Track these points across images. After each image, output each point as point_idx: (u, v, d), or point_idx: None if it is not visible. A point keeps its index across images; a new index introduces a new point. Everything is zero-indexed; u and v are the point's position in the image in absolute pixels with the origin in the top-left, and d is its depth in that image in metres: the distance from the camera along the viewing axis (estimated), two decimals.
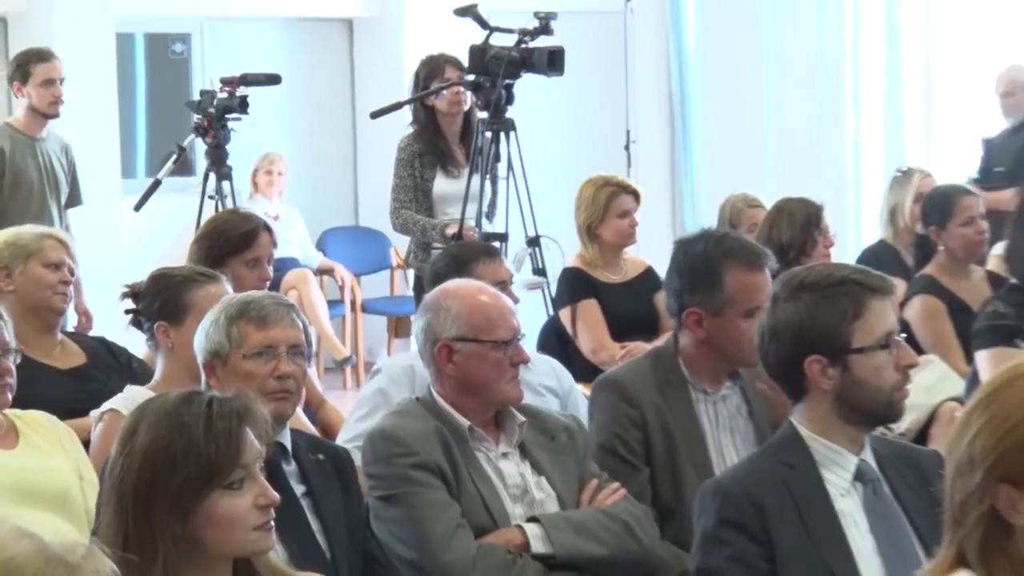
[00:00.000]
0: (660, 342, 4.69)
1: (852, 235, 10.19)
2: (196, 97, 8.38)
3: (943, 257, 6.68)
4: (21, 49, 8.33)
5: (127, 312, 4.86)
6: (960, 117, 11.11)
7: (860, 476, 3.46)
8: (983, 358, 5.39)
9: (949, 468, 2.59)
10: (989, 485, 2.52)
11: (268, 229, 5.76)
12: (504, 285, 5.15)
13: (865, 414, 3.51)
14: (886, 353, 3.49)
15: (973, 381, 5.18)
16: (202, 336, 3.93)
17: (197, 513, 2.80)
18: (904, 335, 3.71)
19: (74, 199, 7.94)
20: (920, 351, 5.64)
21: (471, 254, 5.46)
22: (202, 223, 6.02)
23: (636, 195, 6.95)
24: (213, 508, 2.81)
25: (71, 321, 6.65)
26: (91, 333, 6.34)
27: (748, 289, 4.36)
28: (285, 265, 9.68)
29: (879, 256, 7.32)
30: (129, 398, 4.18)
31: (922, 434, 5.61)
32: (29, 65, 7.77)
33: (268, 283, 5.51)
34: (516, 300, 5.24)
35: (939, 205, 6.83)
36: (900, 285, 5.87)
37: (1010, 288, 5.90)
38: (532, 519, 4.00)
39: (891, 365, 3.50)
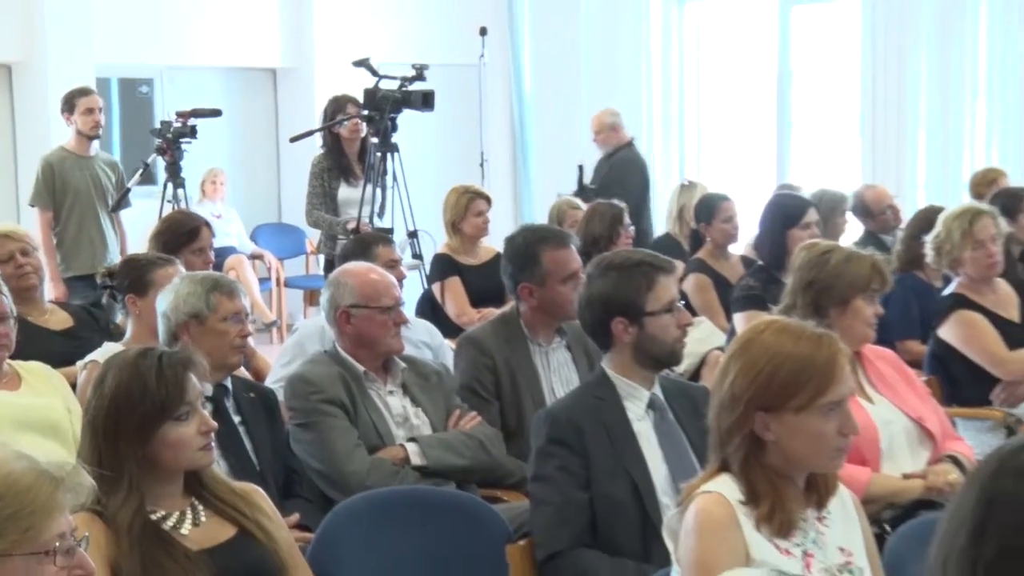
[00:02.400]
0: (506, 309, 4.72)
1: (649, 227, 10.26)
2: (157, 126, 8.35)
3: (709, 246, 6.80)
4: (21, 90, 8.25)
5: (104, 288, 4.89)
6: (722, 143, 11.25)
7: (652, 405, 3.48)
8: (738, 319, 5.44)
9: (714, 402, 2.64)
10: (748, 413, 2.57)
11: (208, 225, 5.75)
12: (395, 264, 5.18)
13: (655, 360, 3.52)
14: (670, 315, 3.52)
15: (731, 335, 5.25)
16: (178, 303, 3.91)
17: (153, 439, 2.83)
18: (683, 302, 3.78)
19: (121, 204, 7.85)
20: (694, 314, 5.75)
21: (372, 241, 5.49)
22: (158, 222, 5.98)
23: (488, 200, 6.99)
24: (165, 435, 2.84)
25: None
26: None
27: (560, 262, 4.40)
28: (226, 252, 9.70)
29: (665, 245, 7.39)
30: (106, 352, 4.13)
31: (695, 374, 5.70)
32: (74, 99, 7.66)
33: (211, 266, 5.51)
34: (403, 276, 5.30)
35: (707, 208, 6.93)
36: (680, 266, 5.97)
37: (757, 268, 5.98)
38: (411, 439, 4.00)
39: (673, 324, 3.52)
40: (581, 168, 8.96)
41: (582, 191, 8.41)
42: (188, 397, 2.86)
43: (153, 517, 2.83)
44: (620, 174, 8.82)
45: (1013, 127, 9.58)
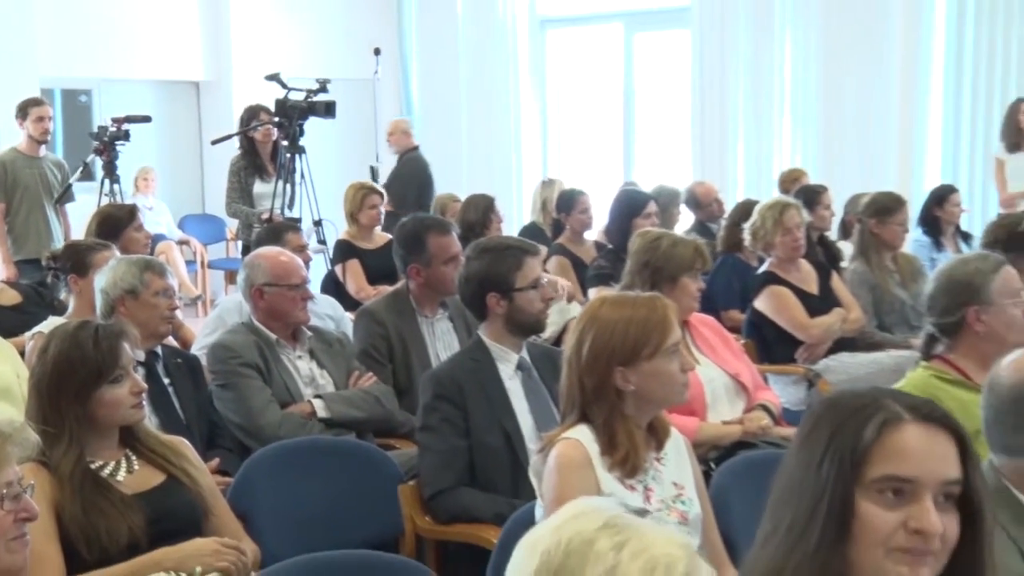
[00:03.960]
0: (398, 286, 4.68)
1: (516, 218, 10.29)
2: (95, 130, 8.19)
3: (568, 232, 6.81)
4: None
5: (49, 269, 4.79)
6: (578, 146, 11.28)
7: (520, 367, 3.48)
8: (592, 293, 5.50)
9: (571, 367, 2.63)
10: (609, 370, 2.58)
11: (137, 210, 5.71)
12: (302, 249, 5.12)
13: (523, 328, 3.52)
14: (535, 291, 3.52)
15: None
16: (115, 281, 3.85)
17: (91, 399, 2.78)
18: (546, 279, 3.79)
19: (66, 198, 7.73)
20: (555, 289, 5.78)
21: (283, 228, 5.45)
22: (95, 213, 5.86)
23: (380, 194, 6.92)
24: (102, 396, 2.79)
25: None
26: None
27: (443, 246, 4.38)
28: (158, 239, 9.50)
29: (531, 232, 7.41)
30: (50, 324, 4.03)
31: (558, 340, 5.71)
32: (27, 108, 7.57)
33: (150, 242, 5.46)
34: (310, 259, 5.25)
35: (566, 201, 6.93)
36: (544, 249, 5.97)
37: (608, 251, 6.03)
38: (317, 396, 3.96)
39: (538, 298, 3.53)
40: (373, 169, 8.94)
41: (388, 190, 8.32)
42: (121, 362, 2.81)
43: (92, 466, 2.78)
44: (406, 172, 8.73)
45: (812, 136, 9.78)
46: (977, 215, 8.45)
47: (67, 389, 2.76)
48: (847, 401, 1.64)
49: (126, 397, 2.81)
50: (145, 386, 2.91)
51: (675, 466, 2.69)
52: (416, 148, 9.07)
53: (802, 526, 1.57)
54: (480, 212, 6.64)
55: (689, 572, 1.34)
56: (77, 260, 4.57)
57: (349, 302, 5.89)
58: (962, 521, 1.58)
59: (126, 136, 7.86)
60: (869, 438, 1.57)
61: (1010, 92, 8.78)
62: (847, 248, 6.34)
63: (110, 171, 7.90)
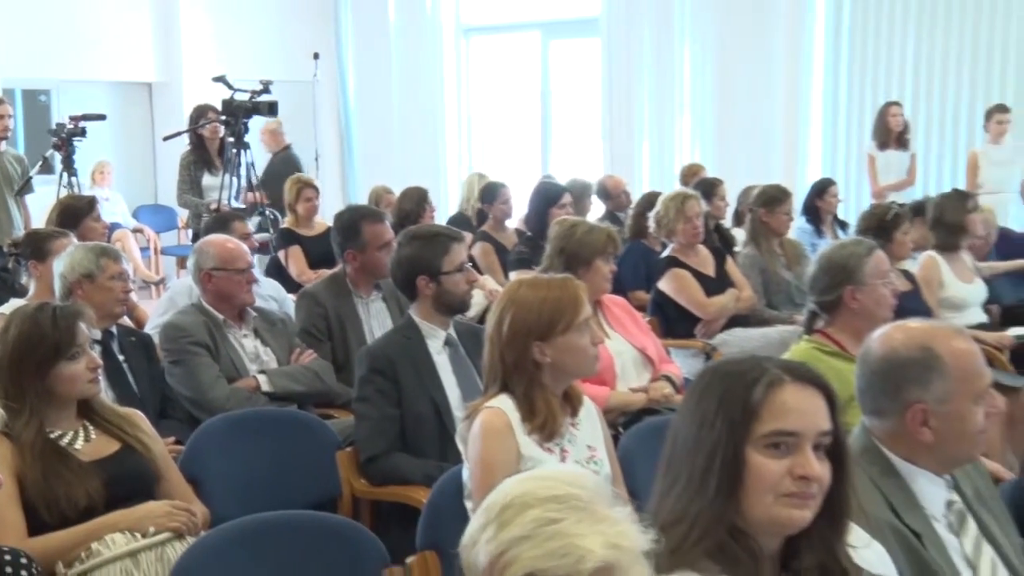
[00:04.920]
0: (336, 270, 4.63)
1: (444, 208, 10.25)
2: (54, 127, 8.01)
3: (491, 221, 6.78)
4: None
5: (11, 255, 4.68)
6: (500, 143, 11.26)
7: (447, 342, 3.45)
8: (512, 276, 5.49)
9: (493, 343, 2.62)
10: (528, 345, 2.59)
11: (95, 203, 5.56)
12: (247, 236, 5.05)
13: (449, 308, 3.50)
14: (461, 274, 3.50)
15: None
16: (73, 266, 3.77)
17: (50, 375, 2.73)
18: (471, 264, 3.77)
19: (25, 190, 7.47)
20: (481, 273, 5.75)
21: (229, 218, 5.36)
22: (55, 204, 5.73)
23: (316, 188, 6.83)
24: (60, 371, 2.74)
25: None
26: None
27: (377, 233, 4.33)
28: (114, 227, 9.32)
29: (458, 220, 7.38)
30: (11, 306, 3.93)
31: (482, 319, 5.69)
32: None
33: (107, 231, 5.36)
34: (255, 246, 5.18)
35: (489, 192, 6.88)
36: (469, 236, 5.95)
37: (527, 238, 6.03)
38: (261, 372, 3.91)
39: (463, 281, 3.51)
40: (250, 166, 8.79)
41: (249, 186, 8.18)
42: (78, 341, 2.77)
43: (52, 436, 2.73)
44: (280, 169, 8.35)
45: (708, 134, 9.89)
46: (852, 205, 8.58)
47: (27, 366, 2.71)
48: (732, 368, 1.68)
49: (83, 372, 2.77)
50: (100, 362, 2.86)
51: (588, 430, 2.70)
52: (288, 147, 8.84)
53: (699, 478, 1.61)
54: (415, 202, 6.61)
55: (601, 571, 1.35)
56: (37, 247, 4.47)
57: (291, 285, 5.82)
58: (831, 467, 1.64)
59: (82, 133, 7.70)
60: (758, 398, 1.61)
61: (880, 96, 8.97)
62: (740, 235, 6.40)
63: (68, 165, 7.73)
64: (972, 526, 2.09)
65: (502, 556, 1.37)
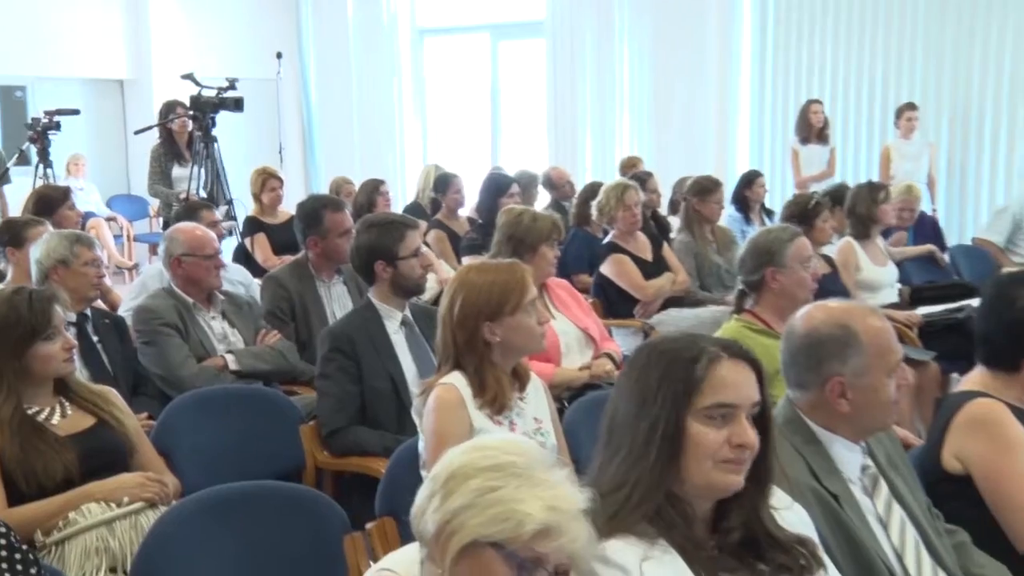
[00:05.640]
0: (299, 256, 4.59)
1: (401, 198, 10.20)
2: (29, 121, 7.90)
3: (445, 210, 6.75)
4: None
5: None
6: (452, 136, 11.20)
7: (404, 323, 3.44)
8: (465, 260, 5.46)
9: (445, 324, 2.61)
10: (478, 325, 2.57)
11: (70, 193, 5.47)
12: (215, 224, 4.96)
13: (405, 291, 3.48)
14: (416, 259, 3.48)
15: None
16: (49, 252, 3.71)
17: (26, 355, 2.69)
18: (427, 248, 3.75)
19: (3, 180, 7.40)
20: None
21: (198, 207, 5.27)
22: (31, 194, 5.62)
23: (279, 178, 6.75)
24: (36, 351, 2.69)
25: None
26: None
27: (337, 221, 4.29)
28: (88, 216, 9.17)
29: (413, 209, 7.34)
30: None
31: (436, 300, 5.67)
32: None
33: (81, 219, 5.27)
34: (222, 233, 5.11)
35: (443, 183, 6.84)
36: (423, 224, 5.92)
37: (478, 225, 6.02)
38: (229, 352, 3.87)
39: (418, 265, 3.49)
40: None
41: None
42: (53, 322, 2.72)
43: (29, 412, 2.68)
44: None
45: (646, 128, 9.92)
46: (777, 195, 8.67)
47: (4, 346, 2.66)
48: (672, 345, 1.68)
49: (58, 352, 2.72)
50: (75, 343, 2.82)
51: (535, 404, 2.70)
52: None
53: (641, 447, 1.61)
54: (367, 194, 6.64)
55: (541, 533, 1.34)
56: (14, 234, 4.39)
57: (257, 270, 5.77)
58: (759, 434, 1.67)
59: (57, 127, 7.64)
60: (700, 374, 1.62)
61: (802, 95, 9.06)
62: (675, 222, 6.44)
63: (44, 157, 7.65)
64: (884, 488, 2.12)
65: (448, 524, 1.37)
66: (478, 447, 1.44)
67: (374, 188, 6.61)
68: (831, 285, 4.53)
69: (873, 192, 5.56)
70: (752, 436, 1.64)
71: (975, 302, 2.84)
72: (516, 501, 1.35)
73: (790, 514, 1.77)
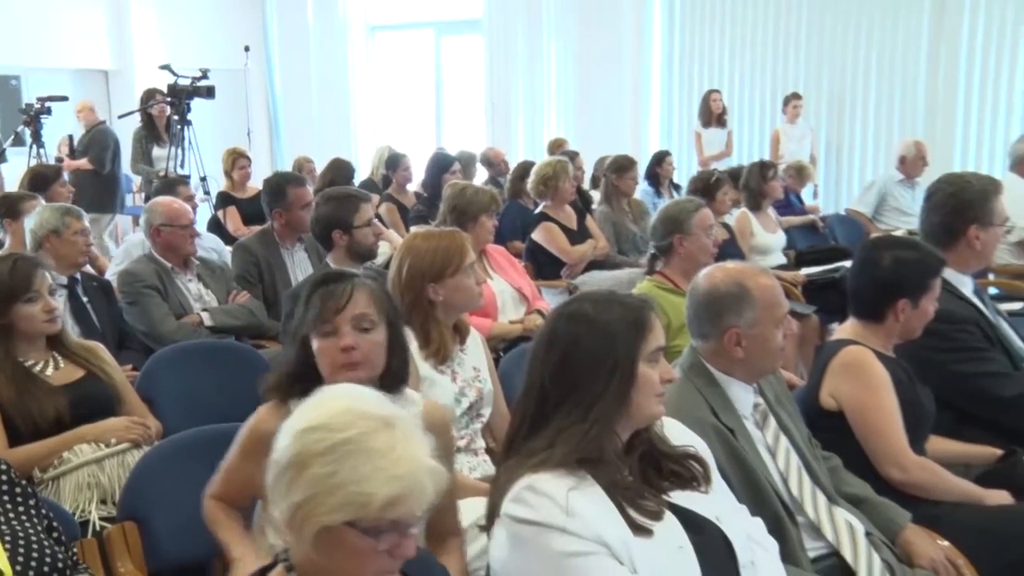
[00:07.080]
0: (266, 226, 4.50)
1: (357, 174, 10.03)
2: (23, 107, 7.70)
3: (394, 185, 6.64)
4: None
5: None
6: (401, 121, 11.07)
7: None
8: (413, 229, 5.39)
9: (395, 282, 2.59)
10: (423, 286, 2.56)
11: (61, 171, 5.30)
12: (191, 198, 4.88)
13: (359, 256, 3.47)
14: (368, 228, 3.48)
15: None
16: (42, 223, 3.60)
17: (10, 312, 2.63)
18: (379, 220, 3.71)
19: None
20: (387, 228, 5.65)
21: (175, 183, 5.18)
22: (26, 171, 5.45)
23: (248, 157, 6.63)
24: (19, 311, 2.63)
25: None
26: None
27: (299, 196, 4.20)
28: None
29: (367, 184, 7.20)
30: None
31: (387, 265, 5.62)
32: None
33: (70, 197, 5.12)
34: (197, 206, 5.00)
35: (393, 161, 6.77)
36: (376, 198, 5.85)
37: (424, 198, 5.97)
38: (204, 310, 3.80)
39: (371, 234, 3.49)
40: (71, 136, 8.11)
41: (72, 153, 7.73)
42: (34, 286, 2.65)
43: (26, 364, 2.63)
44: (99, 140, 7.61)
45: (571, 113, 9.92)
46: (684, 172, 8.74)
47: None
48: (618, 301, 1.67)
49: (39, 313, 2.65)
50: (57, 306, 2.74)
51: (474, 355, 2.69)
52: (103, 122, 8.13)
53: (602, 386, 1.60)
54: (335, 174, 6.52)
55: (389, 504, 1.21)
56: (10, 207, 4.27)
57: (228, 239, 5.67)
58: None
59: (48, 111, 7.44)
60: (650, 324, 1.65)
61: (704, 84, 9.13)
62: (596, 195, 6.45)
63: (37, 138, 7.46)
64: (772, 422, 2.16)
65: (294, 516, 1.24)
66: (309, 428, 1.26)
67: (340, 168, 6.57)
68: (729, 249, 4.60)
69: (764, 170, 5.62)
70: (672, 370, 1.71)
71: (848, 263, 2.89)
72: (356, 482, 1.21)
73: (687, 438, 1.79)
